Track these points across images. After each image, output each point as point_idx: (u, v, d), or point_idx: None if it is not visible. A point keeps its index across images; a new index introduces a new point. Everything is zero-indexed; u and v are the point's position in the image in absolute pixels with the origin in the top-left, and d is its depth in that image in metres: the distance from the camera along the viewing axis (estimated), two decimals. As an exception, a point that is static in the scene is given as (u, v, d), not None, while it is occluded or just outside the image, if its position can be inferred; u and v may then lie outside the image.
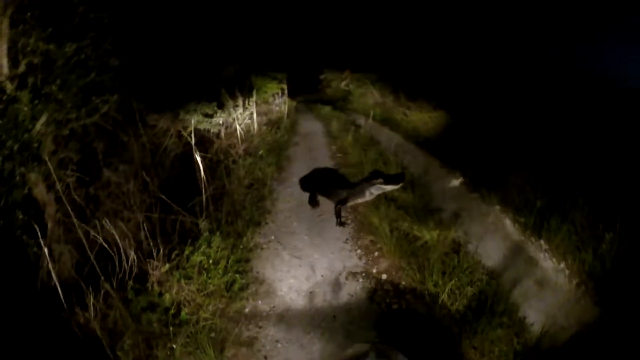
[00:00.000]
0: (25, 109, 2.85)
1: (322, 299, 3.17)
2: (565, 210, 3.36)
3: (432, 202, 4.93)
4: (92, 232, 2.83)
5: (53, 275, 2.41)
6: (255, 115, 7.44)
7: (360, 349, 1.88)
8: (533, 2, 8.82)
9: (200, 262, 3.16)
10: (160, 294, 2.81)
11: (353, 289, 3.29)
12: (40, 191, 3.09)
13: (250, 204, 4.59)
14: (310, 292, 3.26)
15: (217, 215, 3.96)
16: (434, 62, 10.28)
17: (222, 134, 6.44)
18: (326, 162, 6.99)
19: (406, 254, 3.59)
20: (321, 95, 17.90)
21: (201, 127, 6.00)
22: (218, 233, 3.55)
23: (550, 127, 5.30)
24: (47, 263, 2.51)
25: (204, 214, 3.74)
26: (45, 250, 2.45)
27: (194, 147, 3.96)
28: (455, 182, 5.03)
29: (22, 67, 2.97)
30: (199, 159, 3.83)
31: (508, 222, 3.74)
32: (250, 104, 7.45)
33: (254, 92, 7.74)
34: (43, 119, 3.00)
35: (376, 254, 3.82)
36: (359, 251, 3.90)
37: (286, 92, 11.26)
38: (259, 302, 3.14)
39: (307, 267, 3.62)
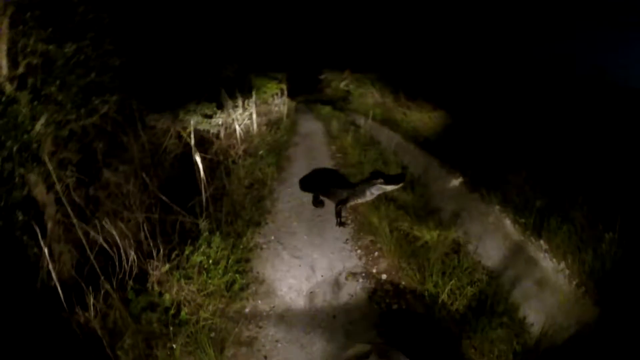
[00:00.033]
0: (25, 109, 2.85)
1: (322, 299, 3.17)
2: (565, 210, 3.36)
3: (432, 202, 4.93)
4: (92, 233, 2.83)
5: (53, 275, 2.41)
6: (254, 115, 7.45)
7: (361, 349, 1.88)
8: (533, 2, 8.83)
9: (200, 262, 3.16)
10: (160, 294, 2.81)
11: (353, 289, 3.29)
12: (40, 192, 3.09)
13: (250, 204, 4.59)
14: (310, 292, 3.26)
15: (217, 216, 3.96)
16: (434, 62, 10.27)
17: (222, 134, 6.45)
18: (326, 162, 6.99)
19: (406, 254, 3.59)
20: (321, 95, 17.90)
21: (201, 127, 6.01)
22: (218, 233, 3.55)
23: (550, 127, 5.30)
24: (47, 263, 2.51)
25: (204, 214, 3.74)
26: (45, 250, 2.45)
27: (193, 147, 3.97)
28: (455, 182, 5.03)
29: (21, 68, 2.98)
30: (198, 159, 3.83)
31: (508, 222, 3.73)
32: (250, 104, 7.46)
33: (254, 93, 7.75)
34: (42, 120, 3.00)
35: (376, 254, 3.82)
36: (358, 251, 3.90)
37: (286, 92, 11.27)
38: (259, 302, 3.14)
39: (307, 267, 3.62)
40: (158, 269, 2.91)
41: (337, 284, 3.36)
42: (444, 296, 2.99)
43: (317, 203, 4.87)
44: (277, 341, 2.74)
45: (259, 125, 7.65)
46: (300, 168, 6.38)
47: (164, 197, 3.65)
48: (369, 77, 12.87)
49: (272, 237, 4.17)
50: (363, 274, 3.51)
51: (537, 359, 2.47)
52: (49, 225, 3.10)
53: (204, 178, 3.88)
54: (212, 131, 6.29)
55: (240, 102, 7.19)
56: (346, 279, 3.44)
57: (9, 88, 2.84)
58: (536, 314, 2.84)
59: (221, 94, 6.90)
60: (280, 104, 10.51)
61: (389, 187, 4.28)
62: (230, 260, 3.34)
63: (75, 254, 3.15)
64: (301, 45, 16.36)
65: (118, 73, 3.82)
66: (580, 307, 2.64)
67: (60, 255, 3.10)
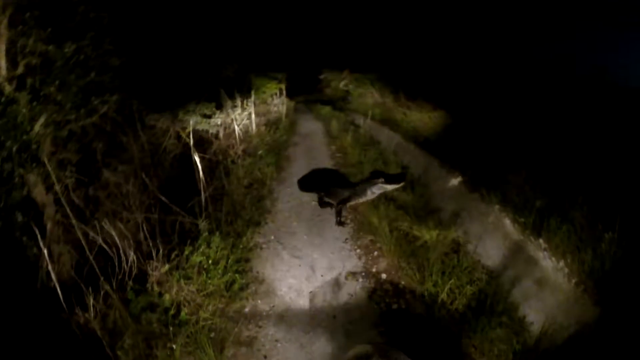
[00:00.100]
0: (24, 110, 2.85)
1: (321, 299, 3.17)
2: (565, 210, 3.36)
3: (431, 202, 4.93)
4: (92, 233, 2.83)
5: (52, 276, 2.41)
6: (253, 115, 7.45)
7: (362, 350, 1.87)
8: (533, 2, 8.83)
9: (200, 262, 3.16)
10: (160, 294, 2.81)
11: (353, 289, 3.29)
12: (39, 192, 3.08)
13: (250, 204, 4.59)
14: (310, 292, 3.26)
15: (217, 216, 3.96)
16: (434, 62, 10.26)
17: (221, 134, 6.45)
18: (326, 162, 6.99)
19: (406, 254, 3.59)
20: (320, 95, 17.92)
21: (200, 127, 6.01)
22: (217, 233, 3.55)
23: (550, 127, 5.30)
24: (47, 264, 2.51)
25: (204, 214, 3.74)
26: (45, 251, 2.45)
27: (192, 147, 3.96)
28: (455, 181, 5.03)
29: (21, 68, 2.97)
30: (197, 159, 3.83)
31: (507, 222, 3.73)
32: (249, 104, 7.46)
33: (253, 93, 7.74)
34: (42, 120, 3.00)
35: (376, 253, 3.82)
36: (358, 251, 3.90)
37: (285, 92, 11.26)
38: (259, 301, 3.14)
39: (306, 266, 3.62)
40: (158, 269, 2.91)
41: (337, 284, 3.36)
42: (443, 295, 3.00)
43: (323, 204, 4.84)
44: (276, 341, 2.73)
45: (258, 125, 7.65)
46: (299, 168, 6.38)
47: (163, 198, 3.65)
48: (369, 77, 12.88)
49: (272, 237, 4.17)
50: (363, 274, 3.51)
51: (536, 358, 2.47)
52: (49, 225, 3.10)
53: (203, 178, 3.88)
54: (211, 131, 6.29)
55: (239, 102, 7.19)
56: (346, 278, 3.44)
57: (8, 88, 2.84)
58: (536, 313, 2.84)
59: (220, 94, 6.89)
60: (279, 104, 10.52)
61: (390, 187, 4.29)
62: (229, 260, 3.34)
63: (74, 254, 3.14)
64: (301, 45, 16.35)
65: (118, 73, 3.81)
66: (579, 306, 2.64)
67: (60, 255, 3.09)
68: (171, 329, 2.58)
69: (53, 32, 3.08)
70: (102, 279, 2.61)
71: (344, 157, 7.22)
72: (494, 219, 3.95)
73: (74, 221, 2.75)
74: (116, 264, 2.81)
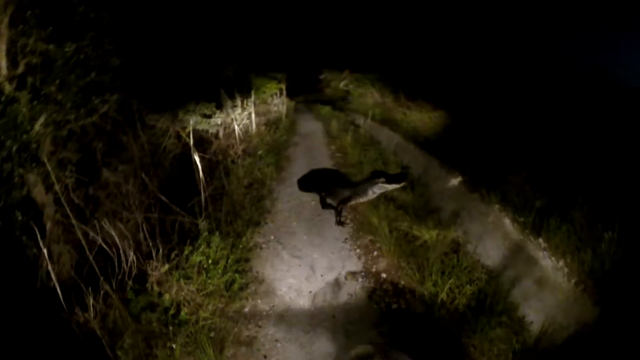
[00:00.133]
0: (24, 109, 2.85)
1: (321, 299, 3.17)
2: (565, 210, 3.36)
3: (431, 202, 4.93)
4: (91, 233, 2.83)
5: (52, 275, 2.41)
6: (253, 115, 7.45)
7: (363, 350, 1.87)
8: (533, 2, 8.83)
9: (200, 262, 3.16)
10: (160, 294, 2.81)
11: (352, 289, 3.29)
12: (39, 192, 3.08)
13: (250, 204, 4.59)
14: (310, 292, 3.26)
15: (216, 215, 3.96)
16: (433, 62, 10.27)
17: (221, 134, 6.45)
18: (325, 162, 7.00)
19: (405, 254, 3.59)
20: (320, 95, 17.92)
21: (200, 127, 6.01)
22: (217, 233, 3.55)
23: (550, 127, 5.30)
24: (47, 264, 2.51)
25: (203, 214, 3.74)
26: (45, 251, 2.45)
27: (192, 147, 3.96)
28: (455, 181, 5.03)
29: (21, 68, 2.97)
30: (197, 159, 3.83)
31: (507, 222, 3.74)
32: (249, 104, 7.46)
33: (253, 92, 7.75)
34: (42, 120, 3.00)
35: (375, 253, 3.82)
36: (358, 251, 3.90)
37: (285, 92, 11.26)
38: (259, 301, 3.14)
39: (306, 266, 3.62)
40: (157, 269, 2.91)
41: (336, 284, 3.36)
42: (443, 295, 2.99)
43: (325, 205, 4.83)
44: (276, 341, 2.74)
45: (257, 125, 7.65)
46: (299, 168, 6.38)
47: (163, 197, 3.65)
48: (369, 77, 12.89)
49: (272, 237, 4.17)
50: (362, 274, 3.51)
51: (536, 358, 2.47)
52: (48, 225, 3.10)
53: (203, 178, 3.88)
54: (211, 131, 6.29)
55: (239, 102, 7.19)
56: (346, 278, 3.44)
57: (8, 87, 2.84)
58: (535, 312, 2.84)
59: (220, 93, 6.89)
60: (279, 104, 10.53)
61: (391, 186, 4.29)
62: (229, 260, 3.34)
63: (74, 254, 3.14)
64: (301, 45, 16.35)
65: (118, 73, 3.81)
66: (579, 306, 2.64)
67: (60, 255, 3.09)
68: (171, 328, 2.58)
69: (53, 31, 3.08)
70: (101, 278, 2.61)
71: (343, 157, 7.23)
72: (493, 219, 3.95)
73: (73, 221, 2.74)
74: (116, 263, 2.81)
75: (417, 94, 9.32)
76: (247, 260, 3.64)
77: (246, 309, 3.04)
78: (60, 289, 2.38)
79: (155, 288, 2.83)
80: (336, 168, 6.44)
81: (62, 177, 3.27)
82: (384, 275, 3.48)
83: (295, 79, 14.48)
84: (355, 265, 3.66)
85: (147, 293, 2.79)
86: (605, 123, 4.83)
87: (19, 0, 2.87)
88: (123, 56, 3.84)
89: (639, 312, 2.32)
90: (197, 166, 3.84)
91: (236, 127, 6.57)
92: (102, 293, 2.57)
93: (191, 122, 5.24)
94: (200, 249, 3.27)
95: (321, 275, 3.49)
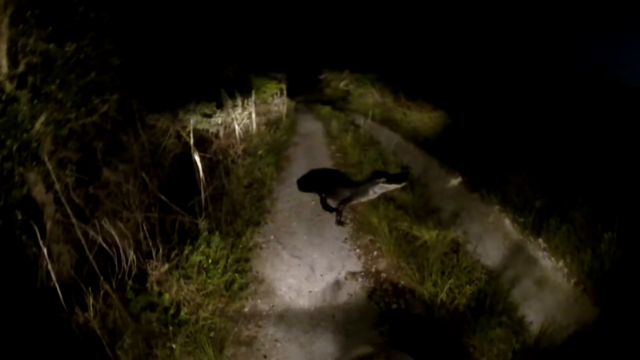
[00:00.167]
0: (25, 108, 2.85)
1: (321, 299, 3.17)
2: (565, 210, 3.36)
3: (431, 202, 4.93)
4: (91, 232, 2.83)
5: (52, 275, 2.41)
6: (254, 115, 7.45)
7: (365, 351, 1.87)
8: (533, 2, 8.83)
9: (200, 261, 3.16)
10: (160, 294, 2.81)
11: (352, 289, 3.29)
12: (39, 191, 3.08)
13: (250, 204, 4.59)
14: (310, 292, 3.26)
15: (216, 215, 3.96)
16: (433, 62, 10.27)
17: (221, 133, 6.44)
18: (325, 162, 7.00)
19: (405, 254, 3.59)
20: (321, 95, 17.91)
21: (200, 127, 6.01)
22: (217, 233, 3.55)
23: (550, 127, 5.30)
24: (46, 263, 2.51)
25: (203, 213, 3.74)
26: (45, 250, 2.45)
27: (192, 147, 3.96)
28: (455, 181, 5.03)
29: (21, 67, 2.97)
30: (197, 158, 3.83)
31: (507, 222, 3.74)
32: (249, 104, 7.46)
33: (253, 92, 7.75)
34: (42, 119, 3.00)
35: (375, 253, 3.82)
36: (358, 251, 3.90)
37: (285, 92, 11.27)
38: (259, 301, 3.14)
39: (306, 266, 3.62)
40: (157, 269, 2.91)
41: (336, 284, 3.36)
42: (443, 295, 2.99)
43: (326, 206, 4.81)
44: (276, 340, 2.74)
45: (258, 124, 7.65)
46: (299, 168, 6.38)
47: (163, 197, 3.65)
48: (369, 77, 12.89)
49: (272, 237, 4.17)
50: (362, 274, 3.51)
51: (536, 358, 2.47)
52: (48, 224, 3.10)
53: (203, 177, 3.89)
54: (211, 130, 6.28)
55: (239, 102, 7.19)
56: (345, 278, 3.44)
57: (9, 87, 2.84)
58: (535, 313, 2.84)
59: (221, 93, 6.89)
60: (279, 104, 10.52)
61: (392, 186, 4.30)
62: (229, 260, 3.34)
63: (74, 253, 3.14)
64: (301, 45, 16.35)
65: (118, 72, 3.81)
66: (579, 306, 2.65)
67: (60, 255, 3.09)
68: (171, 328, 2.57)
69: (54, 31, 3.08)
70: (101, 278, 2.60)
71: (343, 157, 7.22)
72: (493, 219, 3.95)
73: (73, 220, 2.74)
74: (116, 263, 2.80)
75: (417, 94, 9.32)
76: (247, 260, 3.63)
77: (246, 309, 3.04)
78: (60, 289, 2.38)
79: (155, 288, 2.83)
80: (336, 168, 6.44)
81: (62, 176, 3.27)
82: (383, 275, 3.48)
83: (295, 79, 14.48)
84: (355, 265, 3.66)
85: (147, 293, 2.79)
86: (605, 123, 4.83)
87: (19, 0, 2.88)
88: (123, 56, 3.84)
89: (639, 312, 2.32)
90: (197, 166, 3.84)
91: (237, 126, 6.57)
92: (102, 293, 2.57)
93: (191, 121, 5.24)
94: (200, 249, 3.27)
95: (321, 275, 3.49)
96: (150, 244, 3.00)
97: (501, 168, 4.55)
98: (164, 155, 5.09)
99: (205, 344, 2.47)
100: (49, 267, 2.43)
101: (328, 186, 4.87)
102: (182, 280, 2.93)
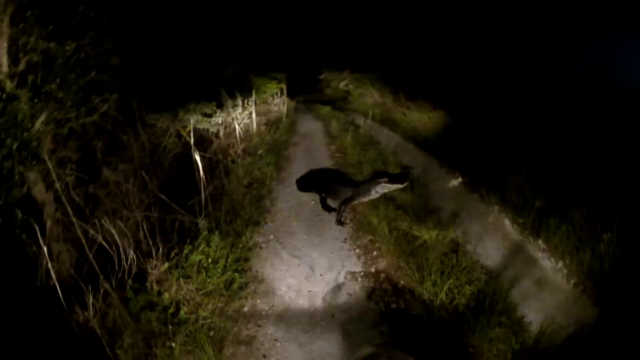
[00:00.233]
0: (25, 107, 2.85)
1: (321, 298, 3.18)
2: (564, 210, 3.36)
3: (431, 202, 4.93)
4: (91, 231, 2.83)
5: (52, 274, 2.41)
6: (254, 115, 7.45)
7: (367, 351, 1.87)
8: (533, 2, 8.83)
9: (199, 261, 3.16)
10: (160, 293, 2.82)
11: (352, 288, 3.29)
12: (39, 190, 3.08)
13: (249, 204, 4.60)
14: (309, 292, 3.26)
15: (216, 215, 3.96)
16: (433, 62, 10.27)
17: (221, 133, 6.45)
18: (325, 162, 7.00)
19: (405, 254, 3.59)
20: (320, 95, 17.90)
21: (200, 126, 6.01)
22: (217, 232, 3.55)
23: (550, 127, 5.30)
24: (46, 262, 2.51)
25: (203, 213, 3.74)
26: (45, 249, 2.45)
27: (192, 146, 3.97)
28: (454, 182, 5.03)
29: (22, 65, 2.98)
30: (197, 158, 3.83)
31: (507, 222, 3.74)
32: (249, 103, 7.46)
33: (253, 92, 7.75)
34: (42, 118, 3.00)
35: (375, 253, 3.83)
36: (357, 250, 3.90)
37: (285, 92, 11.27)
38: (258, 301, 3.15)
39: (306, 266, 3.62)
40: (157, 268, 2.91)
41: (336, 283, 3.37)
42: (442, 295, 2.99)
43: (326, 206, 4.81)
44: (276, 340, 2.74)
45: (258, 124, 7.65)
46: (299, 168, 6.38)
47: (163, 196, 3.65)
48: (369, 77, 12.88)
49: (272, 237, 4.17)
50: (362, 273, 3.51)
51: (535, 358, 2.47)
52: (48, 224, 3.09)
53: (203, 177, 3.89)
54: (211, 130, 6.29)
55: (239, 102, 7.20)
56: (345, 278, 3.44)
57: (9, 85, 2.84)
58: (535, 313, 2.84)
59: (221, 93, 6.90)
60: (279, 104, 10.52)
61: (394, 186, 4.30)
62: (229, 259, 3.34)
63: (74, 253, 3.14)
64: (301, 45, 16.36)
65: (118, 72, 3.82)
66: (578, 306, 2.64)
67: (60, 254, 3.09)
68: (170, 327, 2.58)
69: (54, 30, 3.09)
70: (101, 277, 2.60)
71: (343, 157, 7.22)
72: (493, 219, 3.95)
73: (73, 219, 2.75)
74: (116, 262, 2.81)
75: (417, 94, 9.32)
76: (246, 259, 3.64)
77: (245, 309, 3.05)
78: (60, 288, 2.38)
79: (155, 287, 2.84)
80: (336, 168, 6.44)
81: (62, 176, 3.27)
82: (383, 275, 3.48)
83: (295, 79, 14.49)
84: (354, 265, 3.66)
85: (146, 292, 2.79)
86: (605, 123, 4.83)
87: (20, 0, 2.88)
88: (123, 55, 3.84)
89: (638, 312, 2.33)
90: (197, 165, 3.84)
91: (237, 126, 6.57)
92: (101, 292, 2.57)
93: (192, 121, 5.24)
94: (200, 248, 3.27)
95: (321, 275, 3.49)
96: (150, 243, 3.00)
97: (501, 168, 4.55)
98: (164, 154, 5.09)
99: (205, 343, 2.48)
100: (49, 266, 2.43)
101: (328, 186, 4.87)
102: (181, 280, 2.93)
